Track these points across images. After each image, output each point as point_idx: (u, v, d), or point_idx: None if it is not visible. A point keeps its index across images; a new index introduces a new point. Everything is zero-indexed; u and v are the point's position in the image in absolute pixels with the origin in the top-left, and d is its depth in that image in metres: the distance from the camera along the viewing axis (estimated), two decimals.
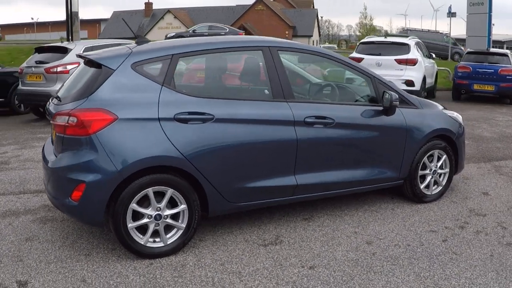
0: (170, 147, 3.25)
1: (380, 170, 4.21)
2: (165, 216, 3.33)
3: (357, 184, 4.13)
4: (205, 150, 3.37)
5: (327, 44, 55.33)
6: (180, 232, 3.41)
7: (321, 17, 59.79)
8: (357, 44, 11.43)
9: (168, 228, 3.40)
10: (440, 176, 4.61)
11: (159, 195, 3.31)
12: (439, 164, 4.56)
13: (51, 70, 8.81)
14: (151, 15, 52.94)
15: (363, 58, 10.26)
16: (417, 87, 9.85)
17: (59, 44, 9.24)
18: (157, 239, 3.36)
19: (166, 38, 27.17)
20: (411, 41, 10.45)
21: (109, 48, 3.75)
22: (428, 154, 4.45)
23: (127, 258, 3.34)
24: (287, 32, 47.55)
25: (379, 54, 10.14)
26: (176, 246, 3.40)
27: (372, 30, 51.26)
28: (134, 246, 3.28)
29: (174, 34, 27.57)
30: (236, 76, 3.86)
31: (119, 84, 3.25)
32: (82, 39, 17.16)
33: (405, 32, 30.18)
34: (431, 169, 4.53)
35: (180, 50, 3.48)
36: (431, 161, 4.51)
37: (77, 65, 8.83)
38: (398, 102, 4.02)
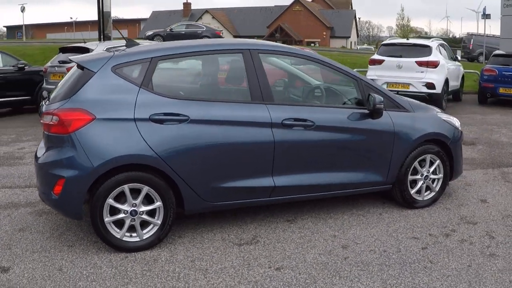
0: (144, 147, 3.34)
1: (365, 174, 4.14)
2: (141, 212, 3.42)
3: (340, 187, 4.08)
4: (180, 150, 3.44)
5: (365, 46, 54.34)
6: (156, 228, 3.49)
7: (359, 18, 58.77)
8: (379, 46, 11.20)
9: (145, 224, 3.49)
10: (433, 182, 4.49)
11: (136, 192, 3.41)
12: (431, 169, 4.43)
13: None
14: (189, 15, 53.86)
15: (384, 60, 10.05)
16: (438, 90, 9.53)
17: (81, 44, 9.60)
18: (134, 234, 3.46)
19: (145, 36, 26.57)
20: (433, 43, 10.11)
21: (97, 51, 3.89)
22: (420, 158, 4.32)
23: (105, 251, 3.47)
24: (324, 33, 47.19)
25: (400, 56, 9.88)
26: (152, 242, 3.49)
27: (409, 31, 49.86)
28: (110, 239, 3.40)
29: (152, 32, 26.95)
30: (215, 78, 3.91)
31: (99, 86, 3.38)
32: (115, 38, 17.60)
33: (469, 36, 28.59)
34: (422, 174, 4.40)
35: (160, 53, 3.57)
36: (423, 166, 4.39)
37: None
38: (382, 105, 3.95)
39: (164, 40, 23.72)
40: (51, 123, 3.36)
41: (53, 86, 9.24)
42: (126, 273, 3.18)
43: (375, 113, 4.03)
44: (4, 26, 47.10)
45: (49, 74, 9.35)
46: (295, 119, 3.76)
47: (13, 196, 4.68)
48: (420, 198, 4.44)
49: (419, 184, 4.41)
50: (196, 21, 53.04)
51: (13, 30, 57.45)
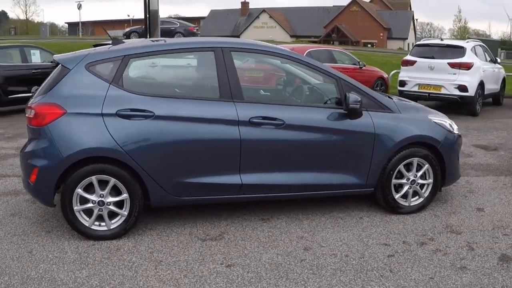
0: (110, 140, 3.42)
1: (343, 176, 3.97)
2: (108, 203, 3.51)
3: (315, 188, 3.93)
4: (145, 145, 3.48)
5: None
6: (123, 219, 3.57)
7: (416, 20, 56.19)
8: (413, 46, 10.67)
9: (114, 214, 3.58)
10: (422, 187, 4.21)
11: (104, 184, 3.50)
12: (419, 173, 4.16)
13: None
14: (247, 14, 54.18)
15: (416, 61, 9.54)
16: (470, 92, 8.89)
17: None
18: (103, 223, 3.57)
19: (124, 34, 25.92)
20: (468, 44, 9.44)
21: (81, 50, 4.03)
22: (406, 162, 4.07)
23: (76, 238, 3.58)
24: (381, 34, 45.70)
25: (432, 57, 9.33)
26: (118, 232, 3.56)
27: (466, 33, 46.86)
28: (80, 227, 3.52)
29: (128, 29, 26.80)
30: (185, 76, 3.93)
31: (73, 82, 3.51)
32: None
33: None
34: (408, 179, 4.13)
35: (132, 52, 3.63)
36: (409, 170, 4.13)
37: None
38: (357, 105, 3.76)
39: (140, 37, 23.43)
40: (30, 116, 3.54)
41: None
42: (87, 259, 3.28)
43: (352, 113, 3.85)
44: (66, 23, 49.40)
45: None
46: (264, 118, 3.68)
47: (16, 185, 4.94)
48: (406, 204, 4.18)
49: (405, 188, 4.15)
50: (253, 21, 53.46)
51: (74, 27, 59.06)
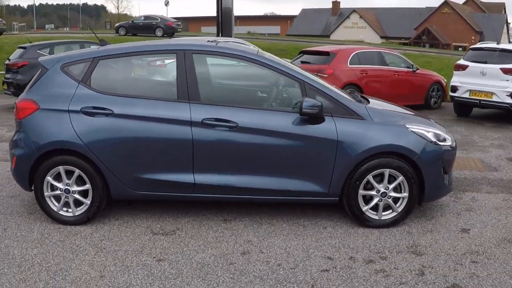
0: (73, 135, 3.57)
1: (302, 182, 3.70)
2: (73, 191, 3.68)
3: (273, 193, 3.72)
4: (104, 140, 3.57)
5: None
6: (86, 207, 3.74)
7: (509, 23, 50.05)
8: (468, 50, 9.53)
9: (79, 202, 3.74)
10: (397, 201, 3.78)
11: (71, 174, 3.69)
12: (391, 186, 3.74)
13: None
14: (338, 14, 52.76)
15: (468, 66, 8.52)
16: None
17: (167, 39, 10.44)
18: (70, 210, 3.77)
19: (115, 27, 27.47)
20: None
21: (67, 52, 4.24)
22: (375, 172, 3.68)
23: (47, 221, 3.77)
24: (473, 38, 41.65)
25: (485, 62, 8.26)
26: (81, 218, 3.72)
27: None
28: (50, 212, 3.74)
29: (118, 24, 28.06)
30: (148, 77, 3.94)
31: (49, 81, 3.72)
32: (238, 35, 17.94)
33: None
34: (378, 191, 3.74)
35: (102, 54, 3.75)
36: (380, 181, 3.74)
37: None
38: (313, 110, 3.48)
39: (127, 30, 25.58)
40: (15, 110, 3.85)
41: None
42: (45, 240, 3.48)
43: (311, 118, 3.58)
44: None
45: None
46: (217, 119, 3.57)
47: None
48: (375, 217, 3.78)
49: (375, 200, 3.76)
50: (343, 21, 51.86)
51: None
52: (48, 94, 3.69)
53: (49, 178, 3.68)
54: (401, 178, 3.70)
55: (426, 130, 3.82)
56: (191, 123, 3.56)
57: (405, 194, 3.75)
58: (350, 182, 3.69)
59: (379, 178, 3.71)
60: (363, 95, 4.78)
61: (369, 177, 3.68)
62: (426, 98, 10.13)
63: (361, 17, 49.89)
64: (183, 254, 3.30)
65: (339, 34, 47.65)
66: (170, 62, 4.09)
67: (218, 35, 19.34)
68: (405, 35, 46.42)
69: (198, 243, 3.49)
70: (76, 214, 3.73)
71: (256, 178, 3.68)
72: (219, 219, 3.94)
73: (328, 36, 47.39)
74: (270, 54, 4.16)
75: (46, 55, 10.06)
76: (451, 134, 4.23)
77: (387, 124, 3.75)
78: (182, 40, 4.05)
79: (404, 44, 38.24)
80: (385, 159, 3.67)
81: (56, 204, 3.75)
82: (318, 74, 9.11)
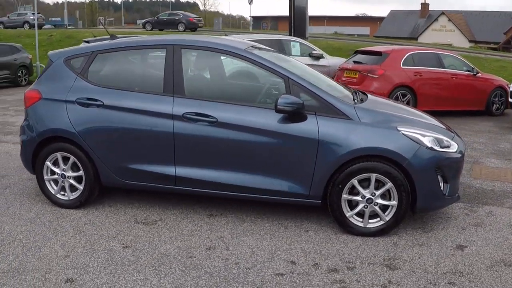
0: (68, 124, 3.82)
1: (282, 182, 3.58)
2: (69, 177, 3.94)
3: (253, 191, 3.63)
4: (94, 130, 3.77)
5: None
6: (79, 192, 3.98)
7: None
8: None
9: (74, 187, 3.99)
10: (385, 209, 3.50)
11: (67, 160, 3.95)
12: (378, 192, 3.47)
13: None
14: (426, 16, 50.03)
15: None
16: None
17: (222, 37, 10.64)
18: (66, 193, 4.03)
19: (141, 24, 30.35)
20: None
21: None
22: (361, 177, 3.43)
23: (49, 204, 4.07)
24: None
25: None
26: (74, 202, 3.96)
27: None
28: (48, 194, 4.03)
29: (144, 20, 31.23)
30: (140, 70, 4.03)
31: (53, 73, 4.02)
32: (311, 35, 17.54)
33: None
34: (364, 196, 3.49)
35: (99, 48, 3.97)
36: (366, 187, 3.49)
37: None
38: (289, 107, 3.34)
39: (152, 26, 28.13)
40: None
41: None
42: (37, 219, 3.76)
43: (291, 116, 3.46)
44: (250, 16, 52.50)
45: None
46: (197, 114, 3.59)
47: None
48: (360, 224, 3.54)
49: (360, 206, 3.51)
50: (432, 23, 48.98)
51: (258, 21, 60.96)
52: (50, 85, 4.00)
53: (48, 163, 3.99)
54: (389, 184, 3.43)
55: (422, 134, 3.49)
56: (173, 117, 3.63)
57: (394, 202, 3.47)
58: (332, 185, 3.51)
59: (367, 183, 3.47)
60: (364, 91, 4.53)
61: (354, 181, 3.46)
62: (488, 103, 9.21)
63: (449, 20, 46.70)
64: (151, 243, 3.38)
65: (427, 37, 45.12)
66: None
67: (290, 35, 19.27)
68: (495, 40, 42.55)
69: (171, 234, 3.55)
70: (70, 198, 4.00)
71: (236, 174, 3.64)
72: (205, 213, 3.96)
73: (416, 39, 45.03)
74: (265, 50, 4.08)
75: None
76: (460, 140, 3.83)
77: (375, 125, 3.48)
78: (175, 36, 4.13)
79: (493, 49, 34.96)
80: (371, 163, 3.42)
81: (54, 187, 4.04)
82: (369, 74, 8.76)
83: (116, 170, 3.84)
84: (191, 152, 3.67)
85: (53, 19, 52.41)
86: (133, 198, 4.26)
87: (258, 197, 3.69)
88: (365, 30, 60.91)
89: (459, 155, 3.64)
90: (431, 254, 3.27)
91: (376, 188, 3.47)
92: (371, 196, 3.47)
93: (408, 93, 8.55)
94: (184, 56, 3.76)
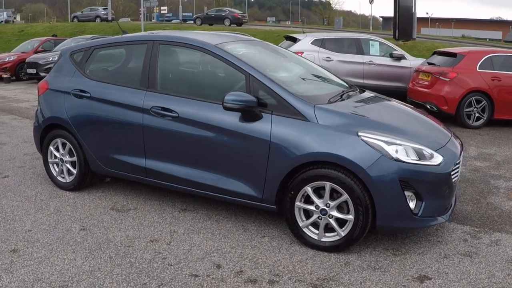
0: (63, 113, 4.23)
1: (237, 183, 3.46)
2: (66, 161, 4.37)
3: (209, 188, 3.59)
4: (83, 119, 4.12)
5: None
6: (73, 176, 4.36)
7: None
8: None
9: (71, 172, 4.40)
10: (343, 223, 3.16)
11: (65, 145, 4.38)
12: (333, 203, 3.14)
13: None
14: None
15: None
16: None
17: (294, 35, 10.48)
18: (64, 176, 4.44)
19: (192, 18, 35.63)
20: None
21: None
22: (316, 184, 3.16)
23: (51, 184, 4.54)
24: None
25: None
26: (69, 185, 4.37)
27: None
28: (51, 176, 4.52)
29: (195, 16, 35.58)
30: (124, 65, 4.18)
31: (60, 66, 4.47)
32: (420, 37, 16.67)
33: None
34: (317, 206, 3.20)
35: (98, 44, 4.29)
36: (321, 196, 3.18)
37: (299, 54, 9.77)
38: (235, 105, 3.22)
39: (202, 21, 31.99)
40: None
41: None
42: (32, 197, 4.25)
43: (244, 114, 3.32)
44: (380, 17, 50.75)
45: None
46: (163, 108, 3.67)
47: None
48: (314, 236, 3.26)
49: (313, 217, 3.24)
50: None
51: (389, 21, 60.09)
52: (56, 77, 4.46)
53: (51, 148, 4.46)
54: (345, 196, 3.09)
55: (387, 142, 3.06)
56: (142, 111, 3.77)
57: (350, 217, 3.12)
58: (284, 191, 3.29)
59: (324, 192, 3.18)
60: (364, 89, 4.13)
61: (307, 188, 3.20)
62: None
63: None
64: (106, 229, 3.58)
65: None
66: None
67: (394, 36, 18.43)
68: None
69: (132, 223, 3.70)
70: (67, 181, 4.42)
71: (196, 171, 3.64)
72: (179, 207, 4.04)
73: None
74: (252, 45, 3.97)
75: None
76: (453, 154, 3.28)
77: (333, 128, 3.16)
78: (157, 32, 4.26)
79: None
80: (325, 170, 3.13)
81: (56, 170, 4.50)
82: (440, 77, 7.90)
83: (100, 158, 4.13)
84: (157, 146, 3.77)
85: (185, 14, 57.64)
86: (126, 187, 4.52)
87: (218, 196, 3.63)
88: (497, 34, 54.94)
89: (443, 171, 3.12)
90: (377, 281, 2.87)
91: (333, 199, 3.16)
92: (325, 207, 3.17)
93: (483, 99, 7.48)
94: (161, 52, 3.87)
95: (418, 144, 3.15)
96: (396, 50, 10.18)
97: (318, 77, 4.21)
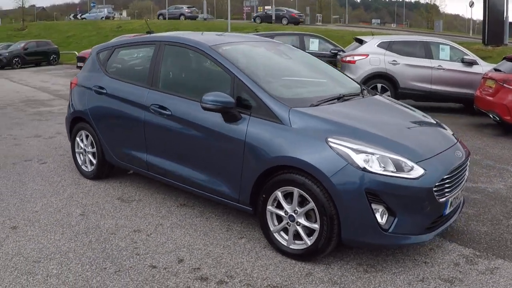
0: (85, 107, 4.67)
1: (217, 182, 3.55)
2: (88, 152, 4.82)
3: (197, 186, 3.73)
4: (100, 114, 4.52)
5: None
6: (93, 166, 4.79)
7: None
8: None
9: (91, 161, 4.83)
10: (311, 233, 3.08)
11: (88, 137, 4.82)
12: (300, 210, 3.08)
13: (343, 59, 9.96)
14: None
15: None
16: None
17: (362, 37, 10.20)
18: (87, 166, 4.89)
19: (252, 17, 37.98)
20: None
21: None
22: (284, 189, 3.14)
23: (77, 172, 5.07)
24: None
25: None
26: (90, 175, 4.82)
27: None
28: (76, 165, 5.01)
29: (255, 15, 37.95)
30: (138, 64, 4.43)
31: (88, 64, 4.93)
32: None
33: None
34: (286, 212, 3.16)
35: (119, 44, 4.67)
36: (290, 202, 3.14)
37: (364, 57, 9.52)
38: (212, 105, 3.30)
39: (262, 19, 34.70)
40: None
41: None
42: (59, 183, 4.74)
43: (224, 115, 3.40)
44: (471, 19, 47.83)
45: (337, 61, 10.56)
46: (159, 106, 3.88)
47: None
48: (284, 242, 3.23)
49: (283, 223, 3.21)
50: None
51: None
52: (84, 73, 4.93)
53: (77, 139, 4.95)
54: (312, 204, 3.03)
55: (357, 150, 2.93)
56: (144, 108, 4.03)
57: (316, 226, 3.04)
58: (258, 194, 3.31)
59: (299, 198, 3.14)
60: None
61: (278, 193, 3.19)
62: None
63: None
64: (102, 217, 3.89)
65: None
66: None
67: (483, 41, 17.40)
68: None
69: (128, 213, 3.97)
70: (89, 170, 4.87)
71: (185, 168, 3.81)
72: (179, 202, 4.23)
73: None
74: (234, 47, 4.07)
75: None
76: (440, 168, 3.03)
77: (303, 133, 3.10)
78: (167, 33, 4.48)
79: None
80: (293, 176, 3.09)
81: (81, 159, 4.98)
82: (504, 85, 7.18)
83: (113, 150, 4.49)
84: (155, 142, 4.01)
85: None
86: (142, 179, 4.85)
87: (204, 194, 3.75)
88: None
89: (422, 185, 2.90)
90: None
91: (301, 206, 3.11)
92: (293, 214, 3.14)
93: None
94: (165, 52, 4.09)
95: (397, 154, 2.97)
96: (468, 55, 9.44)
97: (321, 79, 4.14)
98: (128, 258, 3.18)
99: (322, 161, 2.96)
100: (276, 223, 3.28)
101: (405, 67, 9.31)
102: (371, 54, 9.41)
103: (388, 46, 9.52)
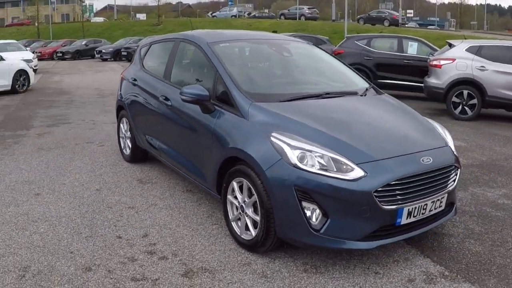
0: (124, 96, 5.36)
1: (196, 168, 3.91)
2: (127, 137, 5.50)
3: (186, 171, 4.13)
4: (132, 103, 5.15)
5: None
6: (130, 150, 5.46)
7: None
8: None
9: (130, 147, 5.49)
10: (257, 225, 3.20)
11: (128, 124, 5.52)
12: (248, 201, 3.22)
13: (430, 63, 9.33)
14: None
15: None
16: None
17: (451, 41, 9.37)
18: (127, 150, 5.57)
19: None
20: None
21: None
22: (239, 180, 3.31)
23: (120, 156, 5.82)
24: None
25: None
26: (128, 158, 5.50)
27: None
28: (120, 147, 5.75)
29: (359, 16, 41.31)
30: (161, 58, 4.83)
31: (134, 58, 5.61)
32: None
33: None
34: (239, 202, 3.31)
35: (154, 40, 5.25)
36: (243, 192, 3.29)
37: (451, 61, 8.82)
38: (188, 97, 3.62)
39: (364, 21, 37.44)
40: None
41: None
42: (102, 163, 5.51)
43: (201, 107, 3.69)
44: None
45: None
46: (165, 98, 4.33)
47: None
48: (238, 231, 3.41)
49: (236, 213, 3.39)
50: None
51: None
52: (130, 67, 5.64)
53: (121, 125, 5.69)
54: (255, 196, 3.16)
55: (293, 146, 2.96)
56: (158, 98, 4.52)
57: (258, 218, 3.16)
58: (221, 182, 3.54)
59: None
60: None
61: (233, 183, 3.38)
62: None
63: None
64: (113, 193, 4.47)
65: None
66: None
67: None
68: None
69: (134, 193, 4.50)
70: (127, 153, 5.57)
71: (179, 155, 4.21)
72: (187, 188, 4.63)
73: None
74: (232, 44, 4.30)
75: (361, 46, 11.95)
76: (387, 172, 2.90)
77: (255, 127, 3.23)
78: (188, 31, 4.85)
79: None
80: (242, 167, 3.25)
81: (123, 143, 5.71)
82: None
83: (141, 136, 5.10)
84: (163, 129, 4.49)
85: (431, 18, 59.24)
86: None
87: (192, 180, 4.09)
88: None
89: (360, 188, 2.83)
90: (236, 284, 2.89)
91: (250, 198, 3.26)
92: (243, 204, 3.30)
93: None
94: (179, 48, 4.53)
95: (338, 154, 2.93)
96: None
97: (316, 76, 4.14)
98: (104, 228, 3.68)
99: (261, 155, 3.08)
100: (235, 212, 3.47)
101: (494, 73, 8.42)
102: (458, 58, 8.77)
103: (477, 50, 8.71)
